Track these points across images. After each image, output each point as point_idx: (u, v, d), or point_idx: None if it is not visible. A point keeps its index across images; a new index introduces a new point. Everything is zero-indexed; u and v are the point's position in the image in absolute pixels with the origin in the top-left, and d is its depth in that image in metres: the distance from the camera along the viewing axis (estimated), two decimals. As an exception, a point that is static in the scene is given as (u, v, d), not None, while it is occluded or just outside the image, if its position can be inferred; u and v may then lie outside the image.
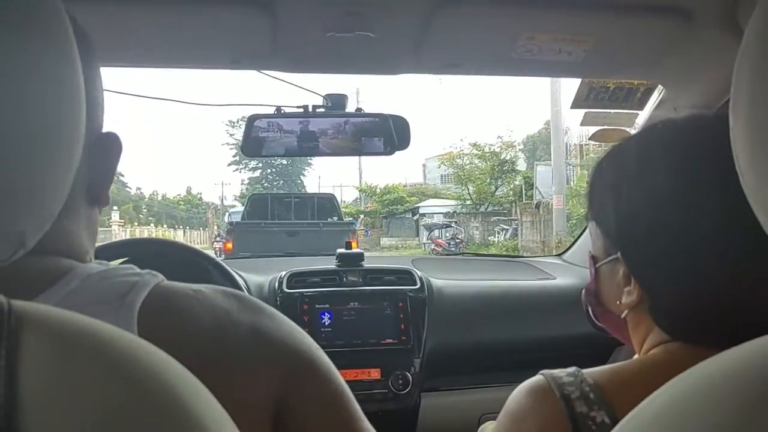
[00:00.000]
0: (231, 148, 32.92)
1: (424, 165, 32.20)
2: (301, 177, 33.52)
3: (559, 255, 2.25)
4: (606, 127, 1.63)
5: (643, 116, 1.56)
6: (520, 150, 25.32)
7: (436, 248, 15.90)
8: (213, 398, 0.41)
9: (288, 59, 1.23)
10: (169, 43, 1.20)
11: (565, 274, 1.94)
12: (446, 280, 1.80)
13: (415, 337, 1.61)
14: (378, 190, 26.62)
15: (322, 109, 1.46)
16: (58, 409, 0.35)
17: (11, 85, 0.38)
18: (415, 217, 24.50)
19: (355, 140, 1.44)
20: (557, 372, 0.71)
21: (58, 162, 0.42)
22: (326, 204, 12.49)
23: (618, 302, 0.76)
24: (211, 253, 1.55)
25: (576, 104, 1.55)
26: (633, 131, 1.63)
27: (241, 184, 35.09)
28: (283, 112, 1.42)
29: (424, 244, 18.99)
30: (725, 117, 0.46)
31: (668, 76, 1.38)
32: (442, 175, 29.71)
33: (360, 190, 28.82)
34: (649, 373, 0.68)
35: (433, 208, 24.49)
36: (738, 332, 0.41)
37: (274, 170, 32.89)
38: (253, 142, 1.39)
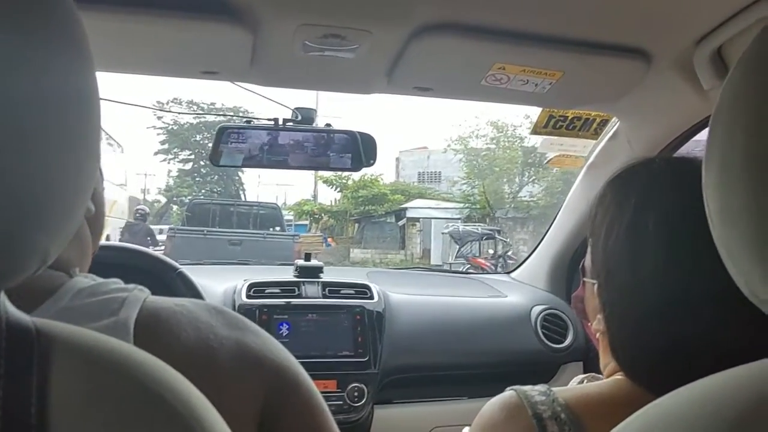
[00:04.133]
0: (159, 134, 27.63)
1: (398, 159, 25.61)
2: (239, 173, 28.44)
3: (508, 273, 2.31)
4: (563, 153, 1.71)
5: (598, 145, 1.64)
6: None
7: (472, 271, 8.65)
8: (215, 410, 0.44)
9: (265, 75, 1.25)
10: (145, 51, 1.20)
11: (515, 292, 2.00)
12: (402, 295, 1.83)
13: (371, 351, 1.64)
14: (351, 183, 19.24)
15: (291, 123, 1.48)
16: (88, 425, 0.38)
17: (36, 94, 0.39)
18: (400, 223, 18.11)
19: (323, 155, 1.46)
20: (528, 389, 0.73)
21: (81, 174, 0.43)
22: (269, 214, 12.58)
23: (591, 323, 0.80)
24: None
25: (535, 130, 1.62)
26: (588, 159, 1.71)
27: (168, 175, 29.66)
28: (253, 124, 1.44)
29: (450, 264, 12.35)
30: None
31: (625, 111, 1.46)
32: (420, 173, 23.64)
33: (324, 182, 20.52)
34: (616, 397, 0.71)
35: (427, 211, 17.59)
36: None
37: (207, 163, 27.08)
38: (222, 152, 1.40)
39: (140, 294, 0.60)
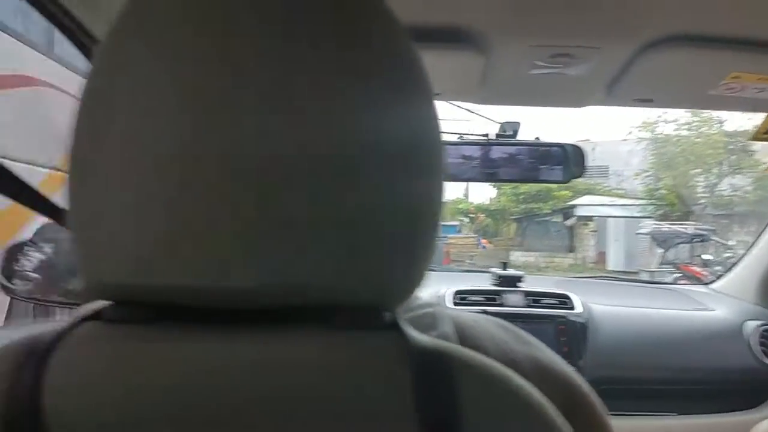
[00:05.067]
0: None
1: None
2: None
3: (706, 284, 2.20)
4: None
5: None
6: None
7: (684, 281, 6.61)
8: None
9: (490, 94, 1.30)
10: None
11: (721, 305, 1.90)
12: (602, 306, 1.81)
13: (576, 361, 1.64)
14: (509, 178, 16.62)
15: (500, 137, 1.52)
16: None
17: (407, 130, 0.43)
18: (568, 222, 16.06)
19: (533, 167, 1.49)
20: None
21: (439, 197, 0.47)
22: None
23: None
24: None
25: (757, 137, 1.53)
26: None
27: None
28: (464, 139, 1.50)
29: (652, 272, 9.93)
30: None
31: None
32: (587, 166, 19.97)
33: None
34: None
35: (601, 208, 14.94)
36: None
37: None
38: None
39: (440, 308, 0.61)
